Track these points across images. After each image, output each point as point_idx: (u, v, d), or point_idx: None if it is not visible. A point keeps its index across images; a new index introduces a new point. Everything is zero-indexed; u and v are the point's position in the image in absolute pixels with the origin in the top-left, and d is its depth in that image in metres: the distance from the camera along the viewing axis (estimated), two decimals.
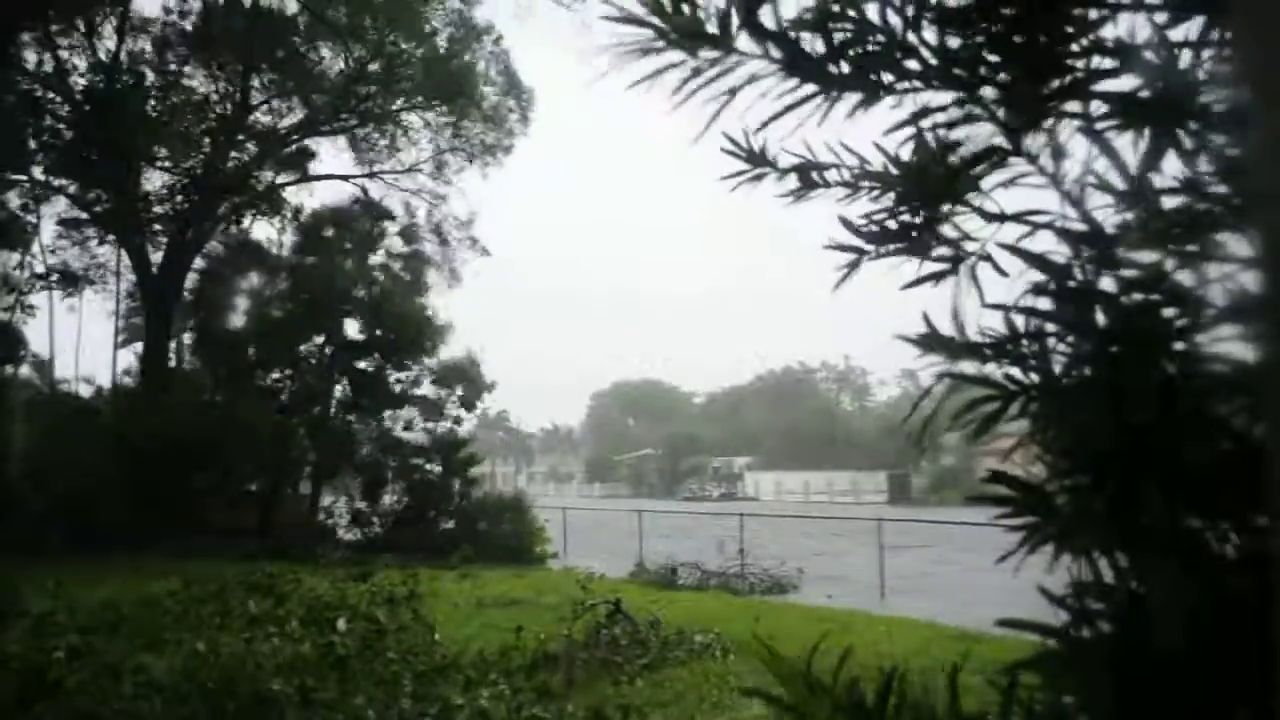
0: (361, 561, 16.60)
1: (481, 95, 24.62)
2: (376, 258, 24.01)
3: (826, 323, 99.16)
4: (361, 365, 23.42)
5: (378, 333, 23.18)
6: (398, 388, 23.60)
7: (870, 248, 1.36)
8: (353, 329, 23.62)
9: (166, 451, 18.94)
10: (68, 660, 7.62)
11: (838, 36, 1.19)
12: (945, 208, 1.30)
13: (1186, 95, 1.10)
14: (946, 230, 1.33)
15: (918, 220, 1.34)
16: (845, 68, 1.21)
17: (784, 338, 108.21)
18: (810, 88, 1.21)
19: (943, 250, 1.33)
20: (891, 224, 1.36)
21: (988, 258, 1.30)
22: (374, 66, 23.84)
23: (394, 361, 23.37)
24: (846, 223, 1.37)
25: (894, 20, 1.18)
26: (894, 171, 1.34)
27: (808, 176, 1.41)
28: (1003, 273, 1.24)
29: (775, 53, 1.19)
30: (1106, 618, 1.11)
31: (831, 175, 1.39)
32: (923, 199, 1.32)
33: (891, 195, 1.35)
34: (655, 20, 1.19)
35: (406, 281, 23.89)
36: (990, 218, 1.28)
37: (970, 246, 1.31)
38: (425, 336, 23.17)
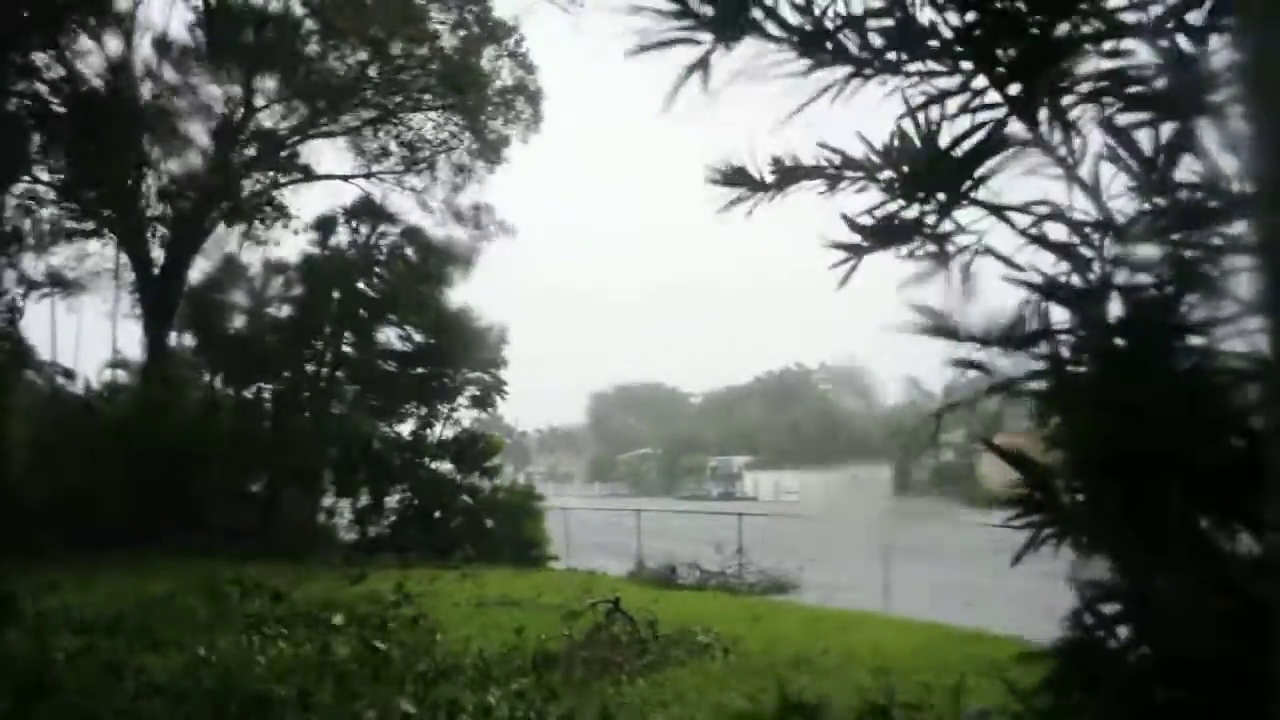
0: (363, 561, 16.61)
1: (490, 96, 24.46)
2: (380, 258, 23.84)
3: (827, 324, 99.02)
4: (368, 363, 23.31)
5: (379, 335, 23.13)
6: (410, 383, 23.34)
7: (868, 244, 1.35)
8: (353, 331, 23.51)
9: (166, 451, 18.90)
10: (68, 661, 7.61)
11: (856, 11, 1.18)
12: (943, 198, 1.29)
13: (1203, 86, 1.08)
14: (943, 225, 1.31)
15: (912, 215, 1.33)
16: (859, 42, 1.19)
17: (784, 338, 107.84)
18: (824, 73, 1.20)
19: (933, 248, 1.31)
20: (890, 220, 1.34)
21: (988, 250, 1.28)
22: (374, 71, 23.74)
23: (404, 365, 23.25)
24: (849, 220, 1.36)
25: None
26: (876, 161, 1.32)
27: (789, 175, 1.39)
28: (1010, 264, 1.22)
29: (774, 30, 1.18)
30: (1120, 620, 1.10)
31: (825, 166, 1.38)
32: (919, 190, 1.30)
33: (886, 186, 1.33)
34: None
35: (410, 277, 23.65)
36: (991, 209, 1.26)
37: (965, 244, 1.30)
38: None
